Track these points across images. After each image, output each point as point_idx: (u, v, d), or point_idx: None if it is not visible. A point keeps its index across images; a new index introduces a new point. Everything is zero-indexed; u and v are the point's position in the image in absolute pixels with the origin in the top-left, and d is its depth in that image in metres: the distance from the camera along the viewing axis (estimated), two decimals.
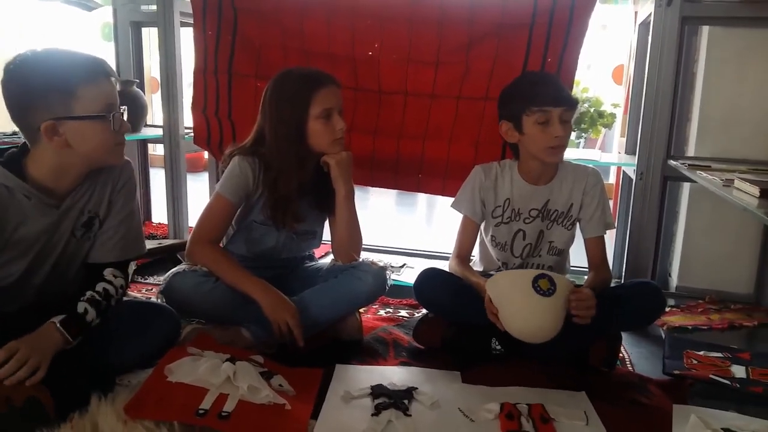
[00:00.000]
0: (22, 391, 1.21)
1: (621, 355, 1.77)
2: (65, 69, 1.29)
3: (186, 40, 2.44)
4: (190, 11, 2.26)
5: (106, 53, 2.93)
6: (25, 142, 1.36)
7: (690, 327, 2.00)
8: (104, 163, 1.43)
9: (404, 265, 2.55)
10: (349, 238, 1.80)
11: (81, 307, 1.37)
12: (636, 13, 2.62)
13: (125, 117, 1.41)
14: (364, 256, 1.82)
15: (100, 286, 1.43)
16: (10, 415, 1.18)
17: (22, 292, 1.37)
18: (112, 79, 1.37)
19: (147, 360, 1.46)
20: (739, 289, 2.31)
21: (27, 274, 1.39)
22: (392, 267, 1.81)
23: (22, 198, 1.34)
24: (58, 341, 1.31)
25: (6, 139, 2.33)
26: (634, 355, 1.83)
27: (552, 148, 1.68)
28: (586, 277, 1.76)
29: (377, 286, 1.71)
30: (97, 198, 1.45)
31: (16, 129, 1.35)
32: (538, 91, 1.68)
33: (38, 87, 1.28)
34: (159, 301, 1.68)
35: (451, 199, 1.88)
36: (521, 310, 1.51)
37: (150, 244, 1.61)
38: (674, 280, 2.42)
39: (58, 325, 1.32)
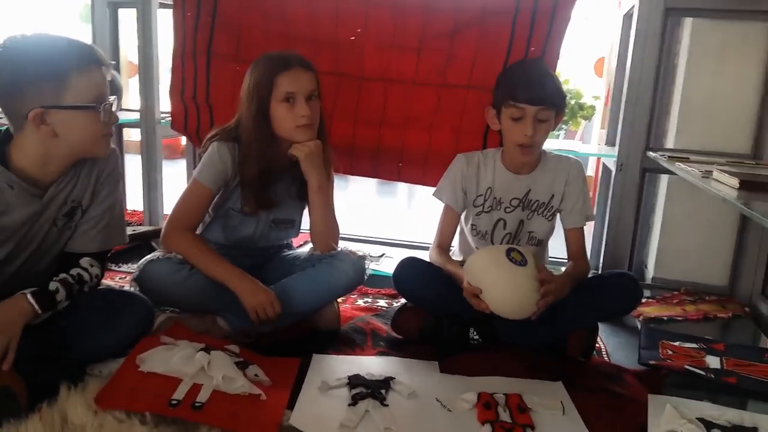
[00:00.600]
0: None
1: (597, 345, 1.78)
2: (58, 56, 1.25)
3: (164, 22, 2.38)
4: None
5: (84, 35, 2.87)
6: (7, 129, 1.32)
7: (665, 318, 2.02)
8: (90, 154, 1.39)
9: (383, 254, 2.53)
10: (325, 227, 1.77)
11: (53, 285, 1.34)
12: (620, 3, 2.62)
13: (115, 107, 1.37)
14: (343, 245, 1.80)
15: (74, 271, 1.40)
16: None
17: None
18: (104, 68, 1.32)
19: (119, 349, 1.42)
20: (714, 281, 2.34)
21: (4, 262, 1.35)
22: (371, 257, 1.79)
23: (5, 187, 1.30)
24: (26, 312, 1.27)
25: None
26: (611, 345, 1.84)
27: (521, 146, 1.68)
28: (564, 268, 1.76)
29: (356, 275, 1.69)
30: (81, 187, 1.42)
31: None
32: (519, 86, 1.67)
33: (29, 74, 1.23)
34: (132, 289, 1.64)
35: (432, 189, 1.87)
36: (501, 282, 1.54)
37: (126, 232, 1.57)
38: (650, 272, 2.45)
39: (28, 296, 1.28)
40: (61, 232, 1.42)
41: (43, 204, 1.35)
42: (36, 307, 1.28)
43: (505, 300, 1.54)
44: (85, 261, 1.44)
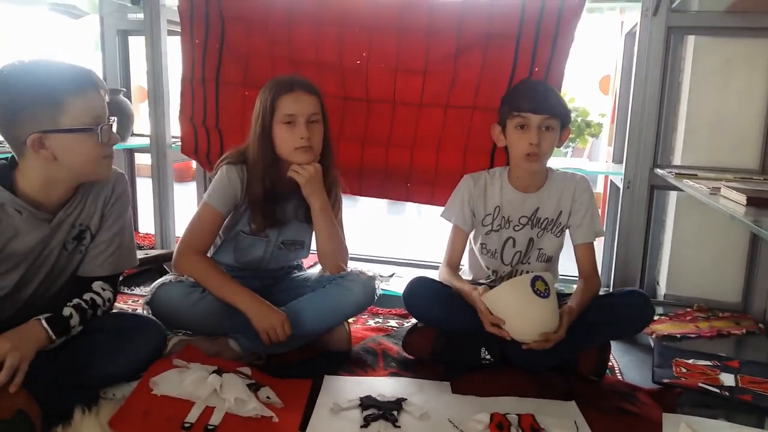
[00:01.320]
0: (12, 404, 1.18)
1: (610, 363, 1.77)
2: (52, 81, 1.27)
3: (173, 48, 2.43)
4: (178, 20, 2.24)
5: (95, 62, 2.92)
6: (13, 155, 1.34)
7: (678, 335, 2.00)
8: (92, 177, 1.40)
9: (393, 274, 2.54)
10: (331, 249, 1.77)
11: (66, 311, 1.35)
12: (622, 23, 2.64)
13: (114, 128, 1.38)
14: (353, 265, 1.81)
15: (87, 296, 1.41)
16: None
17: (8, 307, 1.35)
18: (101, 90, 1.34)
19: (132, 373, 1.43)
20: (727, 297, 2.32)
21: (18, 287, 1.37)
22: (381, 276, 1.80)
23: (14, 212, 1.31)
24: (41, 338, 1.28)
25: None
26: (623, 363, 1.83)
27: (527, 155, 1.69)
28: (575, 285, 1.76)
29: (366, 296, 1.70)
30: (88, 211, 1.43)
31: (1, 139, 1.33)
32: (521, 97, 1.71)
33: (25, 99, 1.25)
34: (145, 312, 1.65)
35: (440, 208, 1.88)
36: (526, 316, 1.52)
37: (137, 255, 1.59)
38: (662, 289, 2.43)
39: (42, 321, 1.29)
40: (72, 256, 1.44)
41: (52, 228, 1.37)
42: (50, 332, 1.29)
43: (530, 332, 1.53)
44: (97, 285, 1.45)
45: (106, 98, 1.37)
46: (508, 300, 1.55)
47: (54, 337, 1.30)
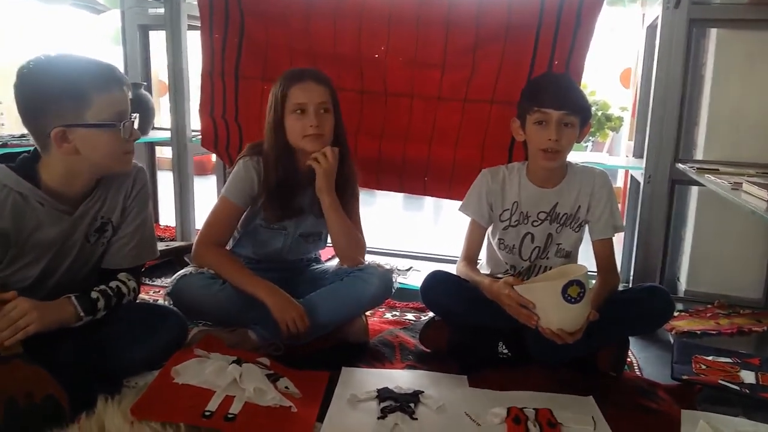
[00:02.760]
0: (42, 387, 1.22)
1: (629, 359, 1.76)
2: (79, 76, 1.29)
3: (193, 42, 2.45)
4: (198, 14, 2.26)
5: (115, 56, 2.96)
6: (36, 148, 1.37)
7: (699, 332, 1.98)
8: (112, 171, 1.42)
9: (411, 268, 2.54)
10: (345, 242, 1.78)
11: (94, 294, 1.38)
12: (643, 15, 2.61)
13: (136, 125, 1.41)
14: (370, 259, 1.82)
15: (113, 283, 1.45)
16: (29, 411, 1.18)
17: (35, 295, 1.38)
18: (125, 87, 1.36)
19: (154, 362, 1.46)
20: (748, 294, 2.30)
21: (42, 277, 1.40)
22: (398, 270, 1.81)
23: (36, 204, 1.34)
24: (70, 313, 1.32)
25: (15, 141, 2.34)
26: (642, 359, 1.82)
27: (545, 152, 1.67)
28: (594, 281, 1.75)
29: (383, 289, 1.71)
30: (110, 204, 1.46)
31: (25, 131, 1.36)
32: (541, 92, 1.69)
33: (51, 93, 1.27)
34: (166, 303, 1.68)
35: (458, 202, 1.88)
36: (555, 318, 1.47)
37: (157, 247, 1.61)
38: (683, 285, 2.41)
39: (72, 298, 1.34)
40: (94, 247, 1.47)
41: (74, 220, 1.40)
42: (79, 309, 1.33)
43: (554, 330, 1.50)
44: (122, 275, 1.49)
45: (129, 95, 1.39)
46: (537, 299, 1.50)
47: (82, 314, 1.33)
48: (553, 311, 1.48)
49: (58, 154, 1.32)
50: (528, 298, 1.50)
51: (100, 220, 1.45)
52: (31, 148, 1.38)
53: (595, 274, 1.72)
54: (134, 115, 1.39)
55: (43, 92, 1.28)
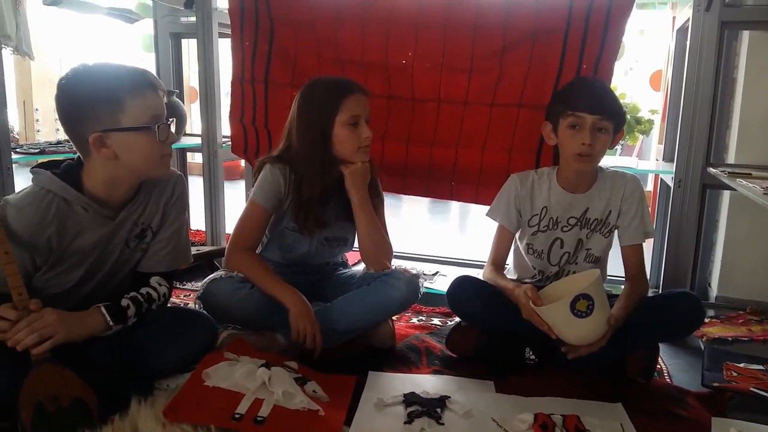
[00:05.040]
0: (69, 391, 1.25)
1: (659, 366, 1.74)
2: (112, 82, 1.33)
3: (224, 50, 2.50)
4: (229, 22, 2.31)
5: (147, 64, 3.03)
6: (79, 155, 1.41)
7: (730, 338, 1.95)
8: (151, 175, 1.46)
9: (437, 273, 2.55)
10: (372, 244, 1.80)
11: (124, 302, 1.42)
12: (674, 18, 2.58)
13: (173, 128, 1.44)
14: (397, 263, 1.83)
15: (144, 290, 1.48)
16: (57, 415, 1.22)
17: (69, 300, 1.42)
18: (159, 91, 1.40)
19: (185, 365, 1.49)
20: None
21: (80, 282, 1.44)
22: (425, 275, 1.82)
23: (80, 210, 1.39)
24: (100, 323, 1.36)
25: (51, 148, 2.42)
26: (672, 366, 1.79)
27: (579, 155, 1.66)
28: (623, 286, 1.73)
29: (410, 293, 1.71)
30: (150, 210, 1.50)
31: (61, 138, 1.40)
32: (576, 96, 1.68)
33: (87, 99, 1.32)
34: (196, 306, 1.72)
35: (485, 207, 1.88)
36: (565, 335, 1.52)
37: (191, 253, 1.65)
38: (714, 290, 2.37)
39: (102, 308, 1.37)
40: (133, 253, 1.51)
41: (115, 226, 1.44)
42: (108, 318, 1.37)
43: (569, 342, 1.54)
44: (154, 280, 1.52)
45: (164, 99, 1.43)
46: (548, 319, 1.52)
47: (112, 323, 1.37)
48: (566, 328, 1.49)
49: (99, 160, 1.37)
50: (541, 319, 1.52)
51: (140, 225, 1.49)
52: (72, 155, 1.43)
53: (617, 277, 1.71)
54: (171, 119, 1.43)
55: (79, 99, 1.33)
